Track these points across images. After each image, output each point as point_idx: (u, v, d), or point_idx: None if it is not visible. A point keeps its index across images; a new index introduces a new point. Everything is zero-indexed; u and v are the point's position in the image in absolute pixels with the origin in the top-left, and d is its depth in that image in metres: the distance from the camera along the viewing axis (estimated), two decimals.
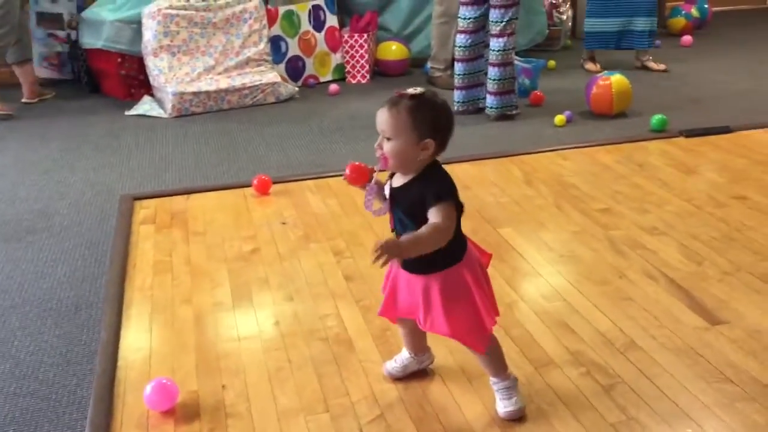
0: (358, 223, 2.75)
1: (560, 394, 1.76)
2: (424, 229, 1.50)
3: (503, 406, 1.68)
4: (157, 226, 2.79)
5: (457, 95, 4.10)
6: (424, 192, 1.51)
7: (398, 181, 1.58)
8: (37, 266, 2.50)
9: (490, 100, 3.97)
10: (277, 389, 1.83)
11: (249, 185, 3.10)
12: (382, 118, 1.53)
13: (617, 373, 1.83)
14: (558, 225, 2.70)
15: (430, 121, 1.50)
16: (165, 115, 4.33)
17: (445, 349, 1.92)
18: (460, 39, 3.97)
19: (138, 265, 2.48)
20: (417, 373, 1.84)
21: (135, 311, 2.20)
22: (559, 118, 3.90)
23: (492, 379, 1.70)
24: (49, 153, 3.73)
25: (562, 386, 1.79)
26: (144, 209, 2.95)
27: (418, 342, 1.81)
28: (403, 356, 1.84)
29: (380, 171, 1.57)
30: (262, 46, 4.60)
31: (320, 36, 5.01)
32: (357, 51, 5.05)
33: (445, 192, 1.52)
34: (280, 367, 1.92)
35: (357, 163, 1.65)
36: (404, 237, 1.52)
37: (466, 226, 2.63)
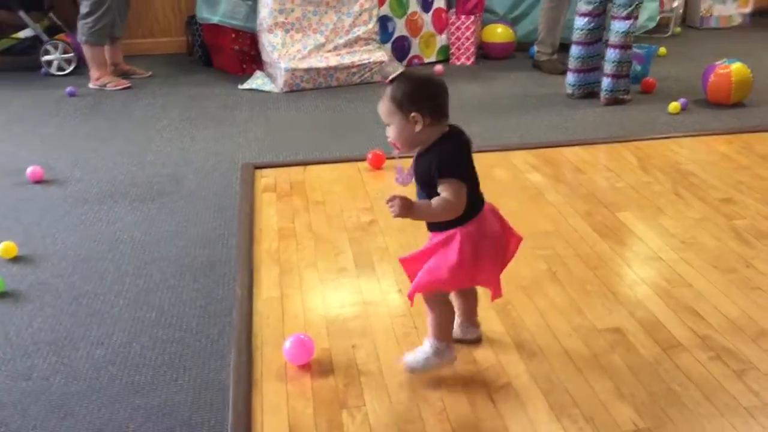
0: None
1: (690, 376, 1.76)
2: (436, 200, 1.62)
3: (410, 355, 1.79)
4: (278, 195, 2.90)
5: (571, 79, 4.07)
6: (431, 164, 1.60)
7: (419, 151, 1.67)
8: (171, 225, 2.65)
9: (606, 83, 3.93)
10: (407, 352, 1.89)
11: (363, 159, 3.18)
12: (378, 109, 1.64)
13: (749, 359, 1.82)
14: (678, 212, 2.66)
15: (408, 96, 1.58)
16: (276, 90, 4.47)
17: (567, 327, 1.95)
18: (582, 22, 3.92)
19: (264, 230, 2.60)
20: (546, 348, 1.88)
21: (265, 272, 2.31)
22: (674, 106, 3.81)
23: (426, 339, 1.78)
24: (170, 122, 3.92)
25: (691, 368, 1.79)
26: (264, 178, 3.07)
27: (468, 309, 1.90)
28: None
29: (398, 156, 1.70)
30: (371, 25, 4.67)
31: (427, 17, 5.04)
32: (463, 33, 5.06)
33: (447, 168, 1.60)
34: (407, 332, 1.98)
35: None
36: (418, 202, 1.65)
37: (582, 208, 2.66)
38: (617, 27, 3.79)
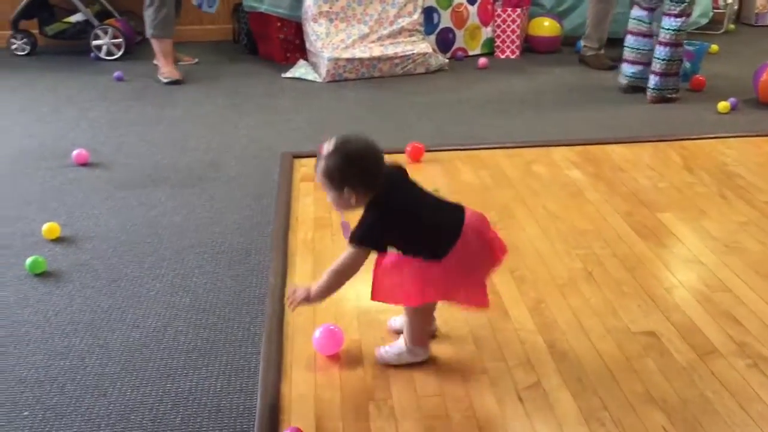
0: (510, 196, 2.76)
1: (726, 384, 1.72)
2: (325, 274, 1.68)
3: (386, 347, 1.83)
4: (316, 184, 2.91)
5: (626, 69, 4.01)
6: None
7: None
8: (209, 212, 2.69)
9: (653, 80, 3.85)
10: (435, 347, 1.89)
11: (402, 151, 3.17)
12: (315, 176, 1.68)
13: None
14: (722, 214, 2.60)
15: (339, 174, 1.61)
16: (319, 80, 4.49)
17: (601, 328, 1.93)
18: (639, 13, 3.86)
19: (300, 219, 2.61)
20: (578, 349, 1.85)
21: (299, 261, 2.33)
22: (723, 105, 3.72)
23: (403, 337, 1.80)
24: (214, 109, 3.97)
25: (727, 376, 1.75)
26: (303, 167, 3.09)
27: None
28: None
29: (342, 212, 1.73)
30: (416, 16, 4.65)
31: (473, 9, 4.99)
32: (509, 26, 5.00)
33: (357, 234, 1.63)
34: (437, 326, 1.98)
35: None
36: (313, 285, 1.70)
37: (622, 208, 2.62)
38: (668, 24, 3.70)
